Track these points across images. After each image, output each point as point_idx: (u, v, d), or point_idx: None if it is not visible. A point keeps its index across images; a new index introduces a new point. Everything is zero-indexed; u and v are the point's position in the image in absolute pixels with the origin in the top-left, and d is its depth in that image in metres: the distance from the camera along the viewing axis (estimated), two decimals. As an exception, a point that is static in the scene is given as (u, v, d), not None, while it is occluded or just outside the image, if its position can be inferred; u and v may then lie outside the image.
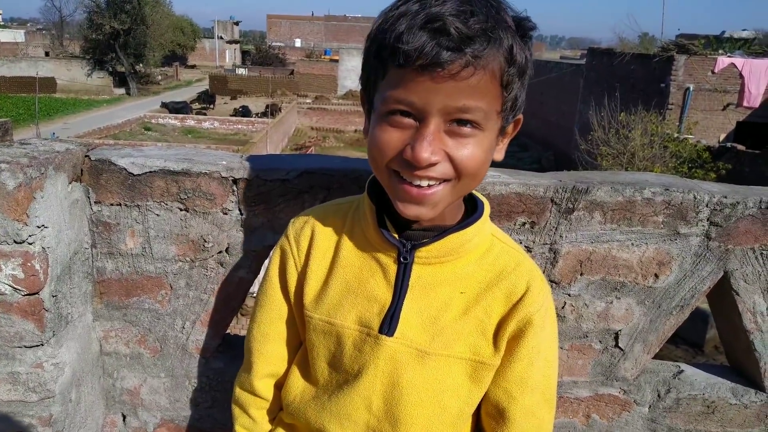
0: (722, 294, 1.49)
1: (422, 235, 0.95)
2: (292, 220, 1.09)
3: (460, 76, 0.78)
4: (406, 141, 0.83)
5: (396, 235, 0.95)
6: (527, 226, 1.36)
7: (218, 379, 1.49)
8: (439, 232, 0.95)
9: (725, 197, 1.37)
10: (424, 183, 0.85)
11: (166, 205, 1.37)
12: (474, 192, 1.01)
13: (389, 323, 0.95)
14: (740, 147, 14.80)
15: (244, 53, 72.50)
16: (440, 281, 0.96)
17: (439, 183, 0.85)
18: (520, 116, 0.93)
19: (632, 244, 1.38)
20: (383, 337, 0.95)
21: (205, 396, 1.50)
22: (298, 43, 71.47)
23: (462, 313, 0.96)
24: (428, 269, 0.96)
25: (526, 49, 0.83)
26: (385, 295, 0.96)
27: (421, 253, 0.95)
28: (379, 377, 0.96)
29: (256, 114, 33.67)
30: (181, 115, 32.21)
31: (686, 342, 9.24)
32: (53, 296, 1.27)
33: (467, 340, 0.95)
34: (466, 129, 0.83)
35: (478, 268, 0.97)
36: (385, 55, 0.81)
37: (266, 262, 1.44)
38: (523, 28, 0.83)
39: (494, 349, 0.96)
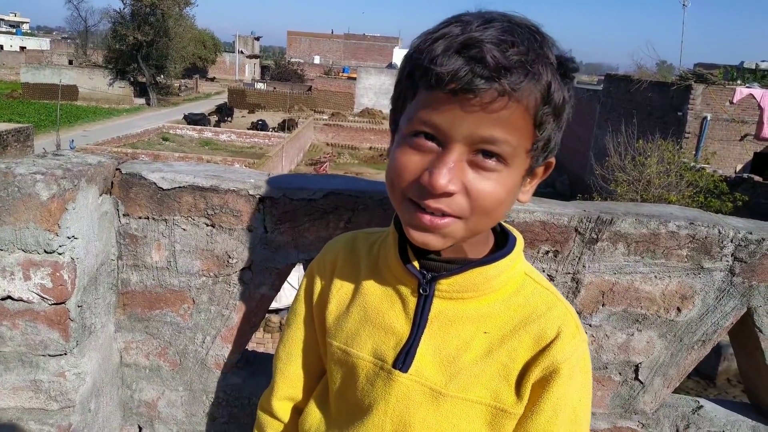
0: (745, 330, 1.47)
1: (443, 267, 0.90)
2: (327, 243, 1.09)
3: (492, 107, 0.75)
4: (426, 166, 0.79)
5: (417, 266, 0.91)
6: (550, 254, 1.36)
7: (236, 394, 1.49)
8: (463, 264, 0.90)
9: (750, 233, 1.37)
10: (438, 213, 0.81)
11: (193, 220, 1.38)
12: (507, 225, 0.98)
13: (404, 358, 0.90)
14: (757, 178, 14.68)
15: (264, 68, 73.46)
16: (462, 318, 0.90)
17: (451, 216, 0.81)
18: (553, 159, 0.89)
19: (655, 276, 1.38)
20: (396, 372, 0.90)
21: (222, 411, 1.51)
22: (317, 59, 72.32)
23: (484, 355, 0.89)
24: (449, 304, 0.91)
25: (565, 90, 0.80)
26: (403, 328, 0.92)
27: (442, 286, 0.90)
28: (389, 415, 0.91)
29: (273, 128, 33.98)
30: (198, 127, 32.59)
31: (698, 374, 9.11)
32: (79, 306, 1.29)
33: (488, 384, 0.88)
34: (491, 162, 0.79)
35: (506, 307, 0.91)
36: (418, 75, 0.79)
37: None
38: (565, 67, 0.79)
39: (517, 396, 0.88)
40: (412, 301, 0.92)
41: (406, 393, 0.90)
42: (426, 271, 0.91)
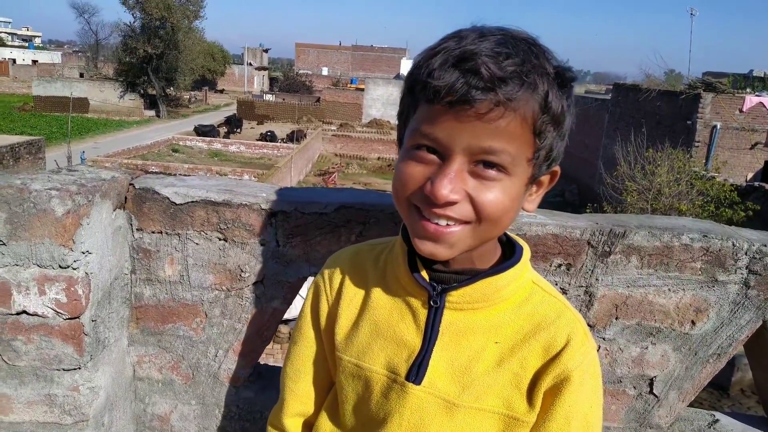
0: (760, 343, 1.46)
1: (453, 278, 0.91)
2: (329, 257, 1.09)
3: (488, 117, 0.76)
4: (428, 176, 0.81)
5: (427, 278, 0.91)
6: (563, 268, 1.36)
7: (248, 408, 1.49)
8: (472, 275, 0.90)
9: (765, 245, 1.36)
10: (443, 222, 0.82)
11: (206, 234, 1.39)
12: (513, 236, 0.99)
13: (417, 371, 0.91)
14: (768, 186, 14.58)
15: (272, 80, 73.94)
16: (473, 329, 0.91)
17: (458, 223, 0.82)
18: (558, 168, 0.90)
19: (669, 289, 1.37)
20: (410, 385, 0.91)
21: (234, 425, 1.51)
22: (325, 71, 72.79)
23: (496, 365, 0.90)
24: (460, 315, 0.91)
25: (564, 99, 0.80)
26: (415, 341, 0.92)
27: (452, 297, 0.91)
28: (404, 427, 0.91)
29: (282, 139, 34.17)
30: (208, 138, 32.86)
31: (712, 385, 9.01)
32: (93, 321, 1.30)
33: (500, 393, 0.90)
34: (492, 172, 0.80)
35: (515, 317, 0.91)
36: (418, 90, 0.81)
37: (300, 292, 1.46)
38: (562, 77, 0.80)
39: (529, 405, 0.89)
40: (422, 313, 0.93)
41: (420, 405, 0.91)
42: (436, 282, 0.91)
